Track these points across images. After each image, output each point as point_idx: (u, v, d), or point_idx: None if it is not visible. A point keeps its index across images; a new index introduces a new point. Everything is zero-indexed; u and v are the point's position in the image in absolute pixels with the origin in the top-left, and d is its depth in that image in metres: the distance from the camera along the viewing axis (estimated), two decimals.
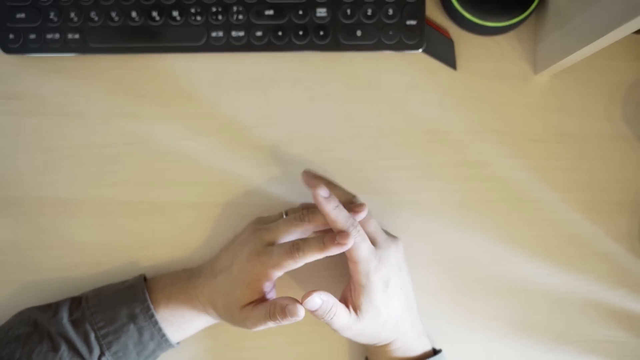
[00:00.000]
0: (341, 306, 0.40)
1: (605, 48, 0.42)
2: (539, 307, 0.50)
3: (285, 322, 0.39)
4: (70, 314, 0.43)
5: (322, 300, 0.38)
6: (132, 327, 0.43)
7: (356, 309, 0.41)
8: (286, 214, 0.45)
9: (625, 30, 0.37)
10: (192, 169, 0.50)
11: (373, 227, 0.43)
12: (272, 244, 0.42)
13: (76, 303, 0.44)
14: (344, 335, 0.42)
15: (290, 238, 0.42)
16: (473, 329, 0.50)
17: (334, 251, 0.39)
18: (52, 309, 0.44)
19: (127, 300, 0.44)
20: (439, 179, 0.50)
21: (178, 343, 0.46)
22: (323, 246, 0.39)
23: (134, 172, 0.50)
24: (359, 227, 0.41)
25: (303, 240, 0.40)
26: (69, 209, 0.49)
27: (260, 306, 0.40)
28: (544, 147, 0.50)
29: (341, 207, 0.41)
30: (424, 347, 0.45)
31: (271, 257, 0.40)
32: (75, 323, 0.43)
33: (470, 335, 0.50)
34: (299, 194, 0.50)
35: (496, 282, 0.50)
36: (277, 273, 0.41)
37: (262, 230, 0.43)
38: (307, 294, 0.38)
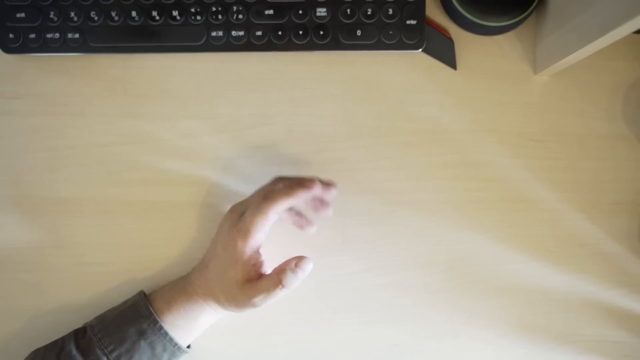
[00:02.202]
0: None
1: (605, 48, 0.42)
2: (539, 307, 0.50)
3: (295, 282, 0.39)
4: (77, 345, 0.43)
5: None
6: (142, 343, 0.43)
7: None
8: None
9: (625, 30, 0.37)
10: (192, 169, 0.50)
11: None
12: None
13: (81, 333, 0.44)
14: (264, 303, 0.41)
15: None
16: (473, 329, 0.50)
17: (301, 194, 0.39)
18: (58, 345, 0.43)
19: (132, 319, 0.43)
20: (439, 179, 0.50)
21: (189, 347, 0.46)
22: (291, 189, 0.39)
23: (134, 172, 0.50)
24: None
25: (269, 189, 0.40)
26: (69, 209, 0.49)
27: (263, 279, 0.40)
28: (544, 147, 0.50)
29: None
30: None
31: (245, 221, 0.40)
32: (84, 352, 0.42)
33: (470, 335, 0.50)
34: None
35: (496, 281, 0.50)
36: (255, 231, 0.40)
37: (235, 205, 0.44)
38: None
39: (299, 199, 0.39)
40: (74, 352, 0.42)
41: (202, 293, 0.44)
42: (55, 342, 0.44)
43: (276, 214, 0.40)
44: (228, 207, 0.49)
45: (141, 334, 0.43)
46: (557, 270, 0.50)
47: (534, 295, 0.50)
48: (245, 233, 0.41)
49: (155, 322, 0.43)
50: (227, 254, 0.42)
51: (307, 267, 0.39)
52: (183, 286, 0.45)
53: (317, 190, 0.39)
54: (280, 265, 0.40)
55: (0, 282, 0.49)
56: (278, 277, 0.39)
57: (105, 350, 0.42)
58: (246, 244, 0.41)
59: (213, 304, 0.44)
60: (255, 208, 0.40)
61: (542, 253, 0.50)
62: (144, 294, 0.46)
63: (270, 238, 0.49)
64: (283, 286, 0.40)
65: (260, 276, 0.42)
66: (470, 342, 0.49)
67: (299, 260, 0.39)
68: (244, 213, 0.42)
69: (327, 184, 0.43)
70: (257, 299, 0.41)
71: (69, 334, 0.44)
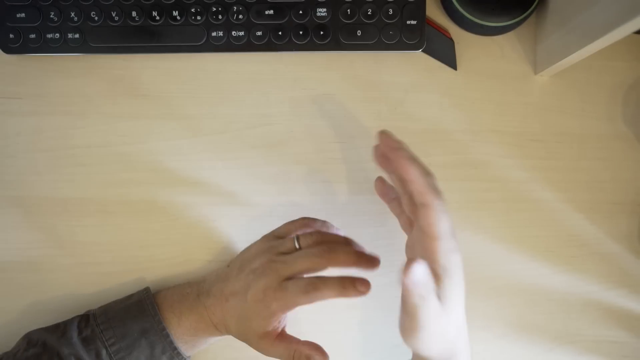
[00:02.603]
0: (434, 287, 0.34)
1: (605, 48, 0.42)
2: (539, 307, 0.50)
3: None
4: (80, 332, 0.43)
5: (424, 274, 0.32)
6: (143, 341, 0.43)
7: (439, 296, 0.34)
8: (297, 240, 0.42)
9: (625, 30, 0.37)
10: (192, 169, 0.50)
11: (449, 224, 0.36)
12: (288, 279, 0.40)
13: (84, 321, 0.44)
14: (420, 333, 0.35)
15: (307, 274, 0.40)
16: (473, 329, 0.50)
17: (351, 296, 0.36)
18: (60, 329, 0.43)
19: (136, 316, 0.43)
20: (439, 179, 0.49)
21: (189, 357, 0.46)
22: (343, 290, 0.36)
23: (134, 172, 0.50)
24: (442, 198, 0.35)
25: (321, 279, 0.38)
26: (69, 209, 0.49)
27: (280, 345, 0.41)
28: (544, 147, 0.50)
29: (424, 172, 0.35)
30: None
31: (287, 294, 0.39)
32: (85, 341, 0.42)
33: (471, 335, 0.49)
34: (299, 194, 0.50)
35: (496, 282, 0.50)
36: (293, 309, 0.40)
37: (279, 263, 0.40)
38: (409, 265, 0.31)
39: (348, 298, 0.37)
40: (75, 339, 0.42)
41: (217, 320, 0.43)
42: (57, 325, 0.44)
43: (320, 301, 0.38)
44: (228, 207, 0.49)
45: (143, 332, 0.43)
46: (557, 270, 0.50)
47: (534, 296, 0.50)
48: (284, 306, 0.39)
49: (159, 322, 0.43)
50: (257, 310, 0.40)
51: None
52: (196, 306, 0.44)
53: (366, 294, 0.36)
54: (302, 346, 0.39)
55: (0, 282, 0.49)
56: (296, 356, 0.39)
57: (106, 343, 0.42)
58: (281, 315, 0.40)
59: (224, 331, 0.44)
60: (303, 292, 0.38)
61: (542, 253, 0.50)
62: (150, 292, 0.46)
63: None
64: None
65: (278, 334, 0.41)
66: (471, 343, 0.49)
67: (316, 353, 0.38)
68: (287, 278, 0.39)
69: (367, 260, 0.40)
70: (267, 354, 0.41)
71: (72, 320, 0.44)
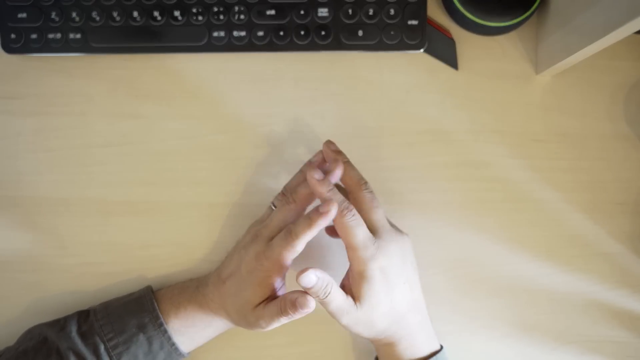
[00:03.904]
0: (336, 286, 0.40)
1: (607, 48, 0.42)
2: (541, 307, 0.50)
3: (297, 315, 0.39)
4: (79, 327, 0.43)
5: (317, 277, 0.38)
6: (141, 337, 0.43)
7: (355, 297, 0.40)
8: (274, 205, 0.45)
9: (627, 30, 0.37)
10: (192, 169, 0.50)
11: (377, 216, 0.42)
12: (272, 238, 0.42)
13: (84, 316, 0.44)
14: (342, 321, 0.41)
15: (287, 224, 0.42)
16: (475, 329, 0.50)
17: (322, 222, 0.39)
18: (59, 323, 0.44)
19: (135, 311, 0.44)
20: (440, 179, 0.50)
21: (188, 353, 0.46)
22: (310, 221, 0.39)
23: (134, 172, 0.50)
24: (355, 212, 0.40)
25: (293, 224, 0.40)
26: (69, 209, 0.49)
27: (271, 303, 0.41)
28: (546, 147, 0.50)
29: (335, 190, 0.41)
30: (432, 347, 0.45)
31: (273, 249, 0.41)
32: (84, 336, 0.43)
33: (472, 335, 0.50)
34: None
35: (498, 282, 0.50)
36: (284, 263, 0.41)
37: (261, 228, 0.43)
38: (302, 271, 0.38)
39: (322, 226, 0.40)
40: (74, 333, 0.43)
41: (215, 307, 0.44)
42: (57, 320, 0.44)
43: (303, 245, 0.40)
44: (228, 207, 0.49)
45: (141, 328, 0.43)
46: (559, 270, 0.50)
47: (535, 296, 0.50)
48: (278, 264, 0.41)
49: (157, 318, 0.43)
50: (252, 278, 0.41)
51: (307, 308, 0.39)
52: (195, 295, 0.44)
53: (334, 213, 0.39)
54: (288, 294, 0.40)
55: (0, 282, 0.49)
56: (282, 306, 0.39)
57: (104, 338, 0.42)
58: (275, 277, 0.41)
59: (224, 318, 0.44)
60: (284, 241, 0.40)
61: (544, 253, 0.50)
62: (151, 290, 0.46)
63: None
64: (285, 315, 0.39)
65: (273, 298, 0.41)
66: (472, 343, 0.49)
67: (302, 296, 0.39)
68: (271, 237, 0.42)
69: (330, 166, 0.43)
70: (263, 322, 0.41)
71: (72, 315, 0.44)
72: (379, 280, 0.40)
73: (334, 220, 0.40)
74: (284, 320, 0.40)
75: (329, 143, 0.45)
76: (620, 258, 0.50)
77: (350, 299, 0.40)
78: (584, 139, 0.50)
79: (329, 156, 0.44)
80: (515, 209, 0.50)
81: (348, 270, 0.42)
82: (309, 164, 0.46)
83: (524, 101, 0.50)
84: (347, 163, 0.44)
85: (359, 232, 0.40)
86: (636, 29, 0.37)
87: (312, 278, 0.38)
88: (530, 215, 0.50)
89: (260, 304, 0.41)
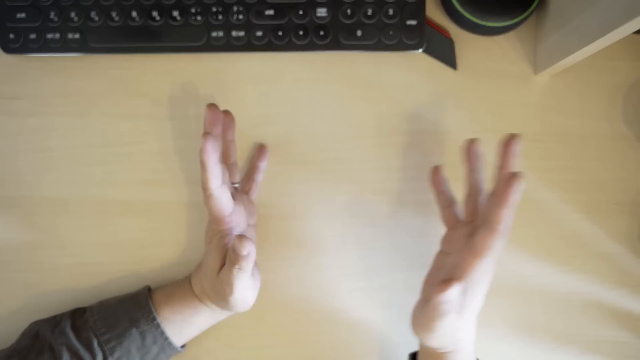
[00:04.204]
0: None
1: (605, 48, 0.42)
2: (540, 307, 0.50)
3: (244, 263, 0.38)
4: (73, 323, 0.44)
5: (459, 291, 0.36)
6: (134, 331, 0.43)
7: (460, 306, 0.38)
8: None
9: (625, 30, 0.37)
10: (192, 169, 0.50)
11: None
12: None
13: (80, 313, 0.45)
14: (431, 334, 0.38)
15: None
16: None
17: (209, 149, 0.38)
18: (56, 319, 0.44)
19: (129, 307, 0.44)
20: None
21: (183, 347, 0.46)
22: (201, 150, 0.38)
23: (134, 172, 0.50)
24: (509, 223, 0.37)
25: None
26: (69, 209, 0.49)
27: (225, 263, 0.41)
28: (544, 147, 0.50)
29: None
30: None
31: (211, 208, 0.40)
32: (78, 331, 0.43)
33: None
34: (299, 194, 0.50)
35: (497, 282, 0.50)
36: (222, 213, 0.40)
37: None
38: (447, 283, 0.35)
39: (214, 166, 0.39)
40: (68, 329, 0.43)
41: (198, 291, 0.44)
42: (54, 316, 0.45)
43: (224, 192, 0.40)
44: None
45: (134, 322, 0.43)
46: (557, 270, 0.50)
47: (534, 296, 0.50)
48: (218, 218, 0.41)
49: (150, 312, 0.43)
50: (211, 246, 0.42)
51: (242, 250, 0.37)
52: (183, 283, 0.46)
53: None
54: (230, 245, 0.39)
55: (0, 282, 0.49)
56: (229, 258, 0.39)
57: (97, 333, 0.43)
58: (227, 231, 0.41)
59: (208, 302, 0.44)
60: (203, 185, 0.40)
61: (543, 253, 0.50)
62: (149, 289, 0.46)
63: (267, 237, 0.49)
64: (234, 266, 0.38)
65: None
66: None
67: (236, 241, 0.37)
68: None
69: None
70: (226, 285, 0.40)
71: (69, 312, 0.45)
72: (484, 291, 0.39)
73: (488, 219, 0.37)
74: (239, 275, 0.39)
75: (505, 143, 0.40)
76: (619, 258, 0.50)
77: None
78: (582, 139, 0.50)
79: (508, 144, 0.40)
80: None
81: (434, 269, 0.42)
82: None
83: (523, 101, 0.50)
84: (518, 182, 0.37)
85: (498, 245, 0.37)
86: (634, 30, 0.37)
87: (456, 292, 0.36)
88: (529, 215, 0.50)
89: (221, 265, 0.41)
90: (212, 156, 0.38)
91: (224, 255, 0.41)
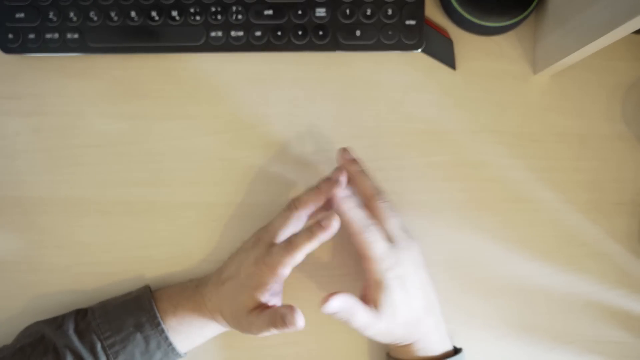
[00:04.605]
0: (360, 305, 0.41)
1: (604, 48, 0.42)
2: (539, 307, 0.50)
3: (287, 330, 0.39)
4: (76, 325, 0.43)
5: (339, 305, 0.39)
6: (138, 336, 0.43)
7: (376, 306, 0.41)
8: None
9: (625, 30, 0.37)
10: (192, 169, 0.50)
11: (391, 226, 0.43)
12: (273, 244, 0.42)
13: (82, 315, 0.44)
14: (364, 334, 0.42)
15: (289, 232, 0.43)
16: (473, 329, 0.50)
17: (323, 236, 0.40)
18: (57, 321, 0.44)
19: (133, 311, 0.44)
20: (438, 179, 0.50)
21: (185, 353, 0.46)
22: (311, 234, 0.40)
23: (134, 172, 0.50)
24: (374, 228, 0.42)
25: (295, 234, 0.41)
26: (69, 209, 0.49)
27: (265, 312, 0.41)
28: (544, 147, 0.50)
29: (357, 208, 0.42)
30: (445, 347, 0.45)
31: (272, 256, 0.41)
32: (81, 334, 0.43)
33: (470, 335, 0.50)
34: (298, 194, 0.50)
35: (496, 282, 0.50)
36: (283, 271, 0.41)
37: (262, 232, 0.44)
38: (325, 298, 0.39)
39: (323, 241, 0.40)
40: (71, 331, 0.43)
41: (212, 307, 0.44)
42: (55, 318, 0.45)
43: (303, 256, 0.41)
44: (228, 207, 0.49)
45: (138, 327, 0.43)
46: (557, 270, 0.50)
47: (534, 296, 0.50)
48: (275, 272, 0.41)
49: (155, 317, 0.43)
50: (249, 282, 0.42)
51: (294, 326, 0.38)
52: (193, 295, 0.45)
53: (336, 227, 0.40)
54: (280, 308, 0.40)
55: (0, 282, 0.49)
56: (273, 318, 0.39)
57: (101, 336, 0.42)
58: (272, 282, 0.41)
59: (220, 319, 0.44)
60: (284, 250, 0.41)
61: (542, 253, 0.50)
62: (149, 289, 0.46)
63: None
64: (275, 328, 0.39)
65: (268, 306, 0.42)
66: (470, 343, 0.49)
67: (291, 314, 0.38)
68: (272, 244, 0.42)
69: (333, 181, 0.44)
70: (255, 328, 0.41)
71: (70, 313, 0.45)
72: (396, 289, 0.42)
73: (352, 236, 0.42)
74: (274, 331, 0.40)
75: (343, 151, 0.45)
76: (619, 258, 0.50)
77: (372, 313, 0.41)
78: (582, 139, 0.50)
79: (341, 163, 0.45)
80: (513, 209, 0.50)
81: (367, 279, 0.43)
82: (329, 178, 0.45)
83: (522, 101, 0.50)
84: (361, 172, 0.45)
85: (377, 246, 0.41)
86: (634, 29, 0.37)
87: (333, 306, 0.39)
88: (528, 215, 0.50)
89: (255, 309, 0.41)
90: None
91: (262, 299, 0.41)
